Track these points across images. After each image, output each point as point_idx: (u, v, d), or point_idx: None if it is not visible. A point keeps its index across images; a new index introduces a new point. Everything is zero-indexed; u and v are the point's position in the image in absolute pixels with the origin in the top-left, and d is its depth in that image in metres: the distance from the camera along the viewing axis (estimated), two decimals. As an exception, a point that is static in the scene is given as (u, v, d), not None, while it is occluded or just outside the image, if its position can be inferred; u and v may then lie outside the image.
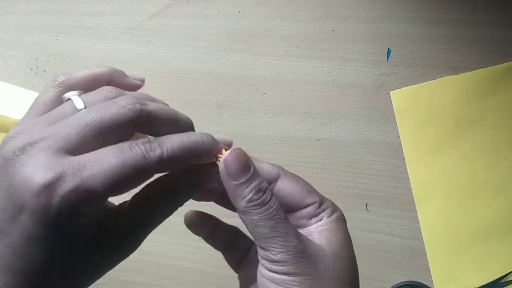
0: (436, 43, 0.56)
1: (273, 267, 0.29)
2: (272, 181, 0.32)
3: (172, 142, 0.28)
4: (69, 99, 0.29)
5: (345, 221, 0.33)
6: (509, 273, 0.53)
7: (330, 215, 0.32)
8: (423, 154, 0.55)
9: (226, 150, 0.30)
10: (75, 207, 0.25)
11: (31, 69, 0.60)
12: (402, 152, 0.55)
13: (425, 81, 0.56)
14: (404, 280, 0.54)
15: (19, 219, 0.25)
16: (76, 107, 0.28)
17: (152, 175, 0.28)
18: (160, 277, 0.55)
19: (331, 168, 0.56)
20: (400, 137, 0.55)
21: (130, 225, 0.29)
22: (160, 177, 0.30)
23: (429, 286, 0.54)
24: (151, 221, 0.29)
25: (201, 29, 0.58)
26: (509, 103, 0.55)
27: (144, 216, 0.29)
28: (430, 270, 0.54)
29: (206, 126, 0.57)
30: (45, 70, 0.59)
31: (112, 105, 0.27)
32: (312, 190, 0.32)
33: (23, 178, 0.25)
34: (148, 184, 0.30)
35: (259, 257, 0.30)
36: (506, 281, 0.53)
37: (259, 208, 0.29)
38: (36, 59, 0.60)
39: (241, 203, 0.29)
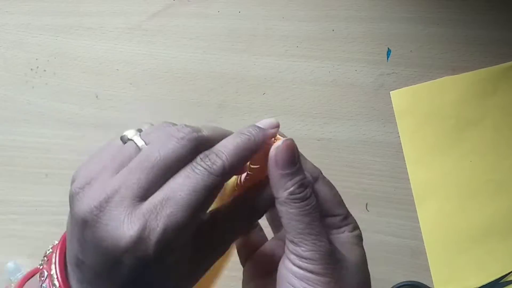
0: (436, 43, 0.56)
1: (301, 263, 0.29)
2: (312, 182, 0.32)
3: (226, 148, 0.28)
4: (129, 139, 0.29)
5: (362, 240, 0.33)
6: (509, 273, 0.53)
7: (352, 231, 0.32)
8: (423, 154, 0.55)
9: (275, 138, 0.30)
10: (169, 245, 0.26)
11: (31, 69, 0.60)
12: (402, 152, 0.55)
13: (425, 81, 0.56)
14: (404, 280, 0.54)
15: (117, 268, 0.26)
16: (138, 147, 0.29)
17: (223, 184, 0.29)
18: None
19: (331, 168, 0.56)
20: (400, 137, 0.55)
21: (220, 233, 0.30)
22: (234, 197, 0.31)
23: (429, 286, 0.54)
24: (236, 229, 0.31)
25: (201, 29, 0.58)
26: (509, 103, 0.55)
27: (232, 223, 0.31)
28: (430, 270, 0.54)
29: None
30: (45, 70, 0.59)
31: (170, 140, 0.28)
32: (342, 202, 0.33)
33: (112, 239, 0.25)
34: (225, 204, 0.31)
35: (287, 251, 0.30)
36: (506, 281, 0.53)
37: (299, 202, 0.29)
38: (36, 59, 0.60)
39: (283, 194, 0.29)
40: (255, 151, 0.29)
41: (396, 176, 0.55)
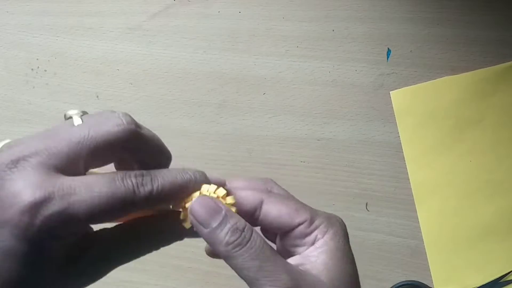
0: (436, 43, 0.56)
1: None
2: (256, 208, 0.31)
3: (164, 178, 0.28)
4: (70, 116, 0.29)
5: (345, 234, 0.31)
6: (509, 272, 0.53)
7: (325, 233, 0.30)
8: (423, 154, 0.55)
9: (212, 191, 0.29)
10: (55, 230, 0.25)
11: (32, 69, 0.60)
12: (402, 152, 0.55)
13: (425, 81, 0.56)
14: (404, 280, 0.54)
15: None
16: (73, 124, 0.28)
17: (138, 209, 0.28)
18: (160, 277, 0.55)
19: (331, 168, 0.56)
20: (400, 137, 0.56)
21: (104, 254, 0.28)
22: (146, 218, 0.30)
23: (429, 285, 0.54)
24: (125, 255, 0.29)
25: (201, 29, 0.58)
26: (509, 103, 0.55)
27: (120, 249, 0.29)
28: (430, 270, 0.54)
29: (206, 126, 0.57)
30: (45, 70, 0.59)
31: (106, 122, 0.27)
32: (300, 208, 0.31)
33: (12, 193, 0.25)
34: (134, 220, 0.30)
35: None
36: (506, 281, 0.53)
37: (240, 249, 0.27)
38: (37, 59, 0.60)
39: (220, 249, 0.28)
40: (188, 194, 0.29)
41: (396, 176, 0.55)
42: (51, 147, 0.26)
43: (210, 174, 0.31)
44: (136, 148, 0.29)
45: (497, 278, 0.53)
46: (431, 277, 0.54)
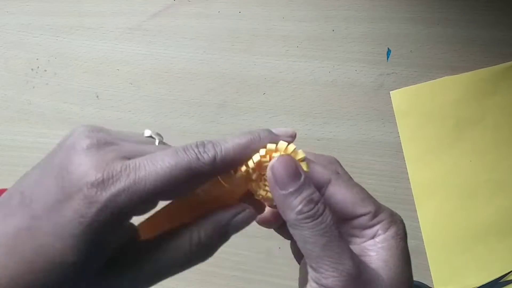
0: (436, 43, 0.56)
1: None
2: (322, 186, 0.29)
3: (227, 142, 0.27)
4: (150, 136, 0.30)
5: (405, 235, 0.30)
6: (509, 272, 0.53)
7: (387, 230, 0.29)
8: (423, 154, 0.55)
9: (283, 148, 0.28)
10: (124, 206, 0.24)
11: (32, 69, 0.60)
12: (402, 152, 0.55)
13: (425, 81, 0.56)
14: (404, 280, 0.54)
15: (62, 206, 0.24)
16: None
17: (207, 179, 0.27)
18: (160, 277, 0.55)
19: (331, 168, 0.56)
20: (400, 137, 0.56)
21: (150, 263, 0.27)
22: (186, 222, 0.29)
23: (429, 285, 0.54)
24: (171, 268, 0.28)
25: (201, 29, 0.58)
26: (509, 103, 0.55)
27: (167, 259, 0.28)
28: (430, 270, 0.54)
29: (206, 126, 0.57)
30: (45, 70, 0.59)
31: (188, 153, 0.27)
32: (366, 198, 0.29)
33: (84, 168, 0.25)
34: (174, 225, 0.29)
35: (309, 277, 0.27)
36: (506, 281, 0.53)
37: (311, 222, 0.26)
38: (37, 59, 0.60)
39: (291, 215, 0.27)
40: (256, 151, 0.28)
41: (396, 176, 0.55)
42: (125, 142, 0.27)
43: (277, 129, 0.30)
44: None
45: (497, 278, 0.53)
46: (431, 277, 0.54)
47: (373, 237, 0.29)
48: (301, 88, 0.57)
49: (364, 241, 0.29)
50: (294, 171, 0.27)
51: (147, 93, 0.58)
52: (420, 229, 0.54)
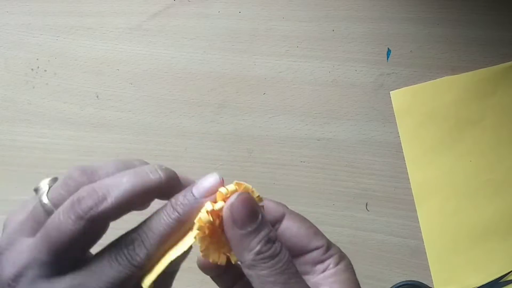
0: (436, 43, 0.56)
1: None
2: (276, 221, 0.29)
3: (152, 232, 0.26)
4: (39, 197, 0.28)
5: (354, 270, 0.30)
6: (509, 272, 0.53)
7: (338, 263, 0.29)
8: (423, 154, 0.55)
9: (224, 194, 0.27)
10: None
11: (32, 69, 0.60)
12: (402, 152, 0.55)
13: (425, 81, 0.56)
14: (404, 280, 0.54)
15: None
16: (45, 207, 0.28)
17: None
18: (160, 277, 0.55)
19: (331, 168, 0.56)
20: (400, 137, 0.56)
21: None
22: None
23: (429, 285, 0.54)
24: None
25: (201, 29, 0.58)
26: (509, 103, 0.55)
27: None
28: (430, 270, 0.54)
29: (206, 126, 0.57)
30: (45, 70, 0.59)
31: (68, 217, 0.26)
32: (318, 233, 0.30)
33: None
34: None
35: None
36: (506, 281, 0.53)
37: (269, 262, 0.25)
38: (37, 59, 0.60)
39: (248, 256, 0.26)
40: (184, 224, 0.27)
41: (396, 176, 0.55)
42: (37, 255, 0.26)
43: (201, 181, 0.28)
44: (113, 219, 0.27)
45: (497, 278, 0.53)
46: (431, 277, 0.54)
47: (323, 271, 0.29)
48: (301, 88, 0.57)
49: (315, 276, 0.29)
50: (253, 210, 0.26)
51: (147, 93, 0.58)
52: (420, 229, 0.54)
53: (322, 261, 0.29)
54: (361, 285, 0.31)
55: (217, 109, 0.58)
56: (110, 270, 0.25)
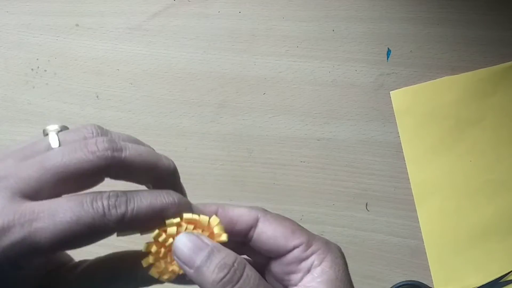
0: (436, 43, 0.56)
1: None
2: (251, 227, 0.29)
3: (141, 200, 0.25)
4: (47, 134, 0.28)
5: (344, 262, 0.29)
6: (509, 272, 0.53)
7: (323, 260, 0.28)
8: (423, 154, 0.55)
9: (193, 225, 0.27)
10: (14, 260, 0.23)
11: (32, 69, 0.60)
12: (402, 152, 0.55)
13: (425, 81, 0.56)
14: (404, 280, 0.54)
15: None
16: (50, 145, 0.27)
17: (111, 234, 0.25)
18: (160, 277, 0.55)
19: (331, 168, 0.56)
20: (400, 137, 0.56)
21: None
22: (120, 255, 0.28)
23: (429, 285, 0.54)
24: None
25: (201, 29, 0.58)
26: (509, 103, 0.55)
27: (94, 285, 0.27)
28: (430, 270, 0.54)
29: (206, 126, 0.57)
30: (45, 70, 0.59)
31: (80, 150, 0.25)
32: (297, 230, 0.29)
33: None
34: (109, 257, 0.28)
35: None
36: (506, 281, 0.53)
37: (233, 286, 0.25)
38: (37, 59, 0.60)
39: (210, 287, 0.25)
40: (167, 218, 0.26)
41: (396, 176, 0.55)
42: (20, 171, 0.25)
43: (200, 204, 0.28)
44: (117, 174, 0.26)
45: (497, 278, 0.53)
46: (431, 277, 0.54)
47: (309, 270, 0.28)
48: (301, 88, 0.57)
49: (302, 277, 0.28)
50: (197, 244, 0.26)
51: (147, 93, 0.58)
52: (420, 229, 0.54)
53: (305, 259, 0.28)
54: (361, 285, 0.31)
55: (217, 109, 0.58)
56: (78, 208, 0.24)
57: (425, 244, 0.54)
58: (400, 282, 0.54)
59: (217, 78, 0.58)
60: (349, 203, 0.55)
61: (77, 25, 0.60)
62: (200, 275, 0.25)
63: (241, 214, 0.29)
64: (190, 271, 0.26)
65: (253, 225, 0.29)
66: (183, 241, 0.26)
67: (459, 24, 0.56)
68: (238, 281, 0.25)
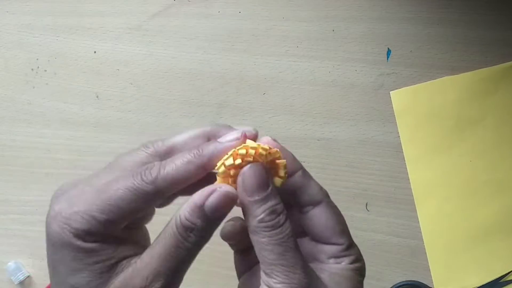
0: (436, 43, 0.56)
1: None
2: (312, 204, 0.31)
3: (172, 162, 0.29)
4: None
5: (364, 276, 0.31)
6: (509, 272, 0.53)
7: (351, 263, 0.30)
8: (423, 154, 0.55)
9: (249, 149, 0.29)
10: (90, 230, 0.27)
11: (32, 69, 0.60)
12: (402, 152, 0.55)
13: (425, 81, 0.56)
14: (404, 280, 0.54)
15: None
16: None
17: (157, 198, 0.29)
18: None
19: (331, 168, 0.56)
20: (400, 137, 0.56)
21: None
22: None
23: (429, 285, 0.54)
24: None
25: (201, 29, 0.58)
26: (509, 103, 0.55)
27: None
28: (430, 270, 0.54)
29: (206, 126, 0.57)
30: (45, 70, 0.59)
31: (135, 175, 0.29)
32: (345, 231, 0.31)
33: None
34: None
35: (261, 281, 0.28)
36: (506, 281, 0.53)
37: (270, 231, 0.27)
38: (37, 59, 0.60)
39: (252, 222, 0.28)
40: (205, 167, 0.29)
41: (396, 176, 0.55)
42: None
43: (241, 129, 0.30)
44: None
45: (497, 278, 0.53)
46: (431, 277, 0.54)
47: (335, 264, 0.30)
48: (301, 88, 0.57)
49: (324, 263, 0.30)
50: (262, 182, 0.28)
51: (147, 93, 0.58)
52: (420, 229, 0.54)
53: (337, 257, 0.30)
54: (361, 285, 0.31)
55: (217, 109, 0.58)
56: (123, 182, 0.28)
57: (425, 244, 0.54)
58: (400, 282, 0.54)
59: (217, 78, 0.58)
60: (349, 203, 0.55)
61: (77, 25, 0.60)
62: (252, 208, 0.28)
63: (311, 187, 0.31)
64: (246, 199, 0.28)
65: (315, 204, 0.31)
66: (255, 171, 0.28)
67: (459, 24, 0.56)
68: (277, 228, 0.27)
